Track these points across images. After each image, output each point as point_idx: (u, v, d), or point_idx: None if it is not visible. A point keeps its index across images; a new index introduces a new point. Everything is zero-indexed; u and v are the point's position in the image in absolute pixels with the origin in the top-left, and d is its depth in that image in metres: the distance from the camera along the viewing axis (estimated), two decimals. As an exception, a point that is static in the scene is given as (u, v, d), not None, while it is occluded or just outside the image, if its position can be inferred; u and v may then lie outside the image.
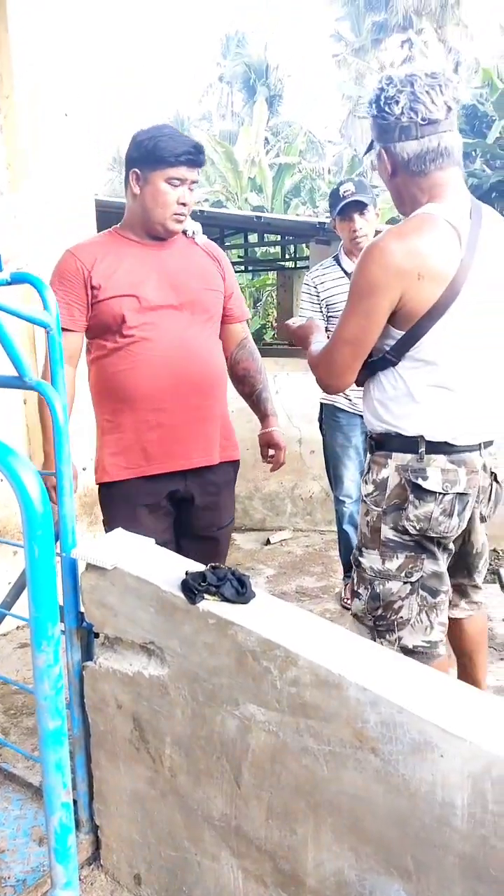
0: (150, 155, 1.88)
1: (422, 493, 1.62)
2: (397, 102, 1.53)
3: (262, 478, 4.43)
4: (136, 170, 1.92)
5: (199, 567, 1.37)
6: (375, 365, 1.67)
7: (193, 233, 2.07)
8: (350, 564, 3.18)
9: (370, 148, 1.68)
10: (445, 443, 1.62)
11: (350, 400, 3.00)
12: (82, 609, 1.52)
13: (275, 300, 16.52)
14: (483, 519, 1.78)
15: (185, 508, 2.07)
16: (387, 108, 1.55)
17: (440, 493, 1.62)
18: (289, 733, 1.23)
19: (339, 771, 1.19)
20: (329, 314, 2.99)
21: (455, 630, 1.91)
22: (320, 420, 3.17)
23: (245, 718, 1.28)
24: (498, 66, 15.29)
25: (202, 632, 1.30)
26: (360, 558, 1.75)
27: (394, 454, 1.66)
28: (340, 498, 3.14)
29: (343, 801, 1.19)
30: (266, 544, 4.18)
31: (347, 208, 2.81)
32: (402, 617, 1.70)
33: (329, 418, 3.09)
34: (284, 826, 1.27)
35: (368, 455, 1.77)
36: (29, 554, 0.74)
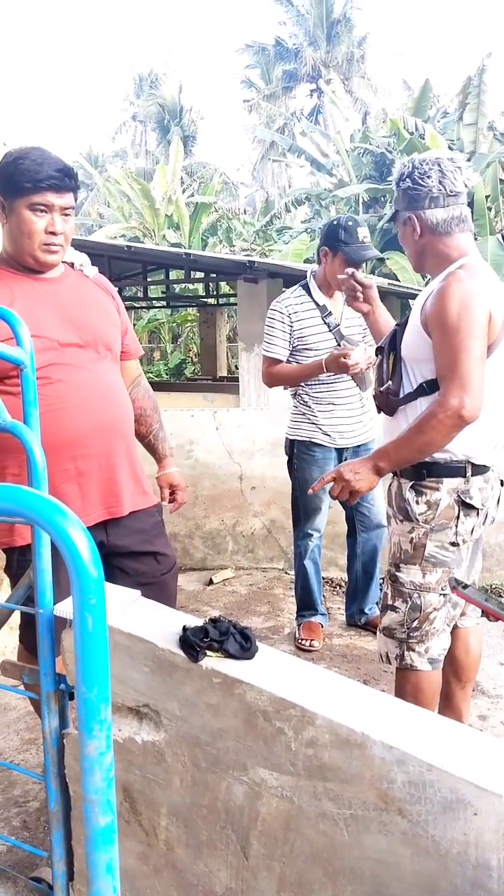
0: (10, 180, 1.70)
1: (469, 510, 1.86)
2: (429, 177, 1.82)
3: (202, 515, 4.35)
4: (1, 198, 1.74)
5: (197, 621, 1.28)
6: (415, 393, 1.86)
7: (82, 265, 1.94)
8: (306, 603, 3.15)
9: (394, 217, 1.96)
10: (483, 465, 1.88)
11: (329, 435, 2.97)
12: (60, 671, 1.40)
13: (196, 336, 16.59)
14: (492, 521, 2.01)
15: (117, 562, 1.92)
16: (420, 181, 1.83)
17: (480, 509, 1.88)
18: (304, 798, 1.16)
19: (361, 835, 1.12)
20: (300, 345, 2.93)
21: (459, 645, 2.08)
22: (290, 455, 3.12)
23: (254, 784, 1.19)
24: (404, 117, 16.12)
25: (205, 692, 1.22)
26: (398, 574, 1.92)
27: (445, 479, 1.85)
28: (308, 531, 3.09)
29: (365, 866, 1.12)
30: (209, 584, 4.07)
31: (363, 258, 2.80)
32: (434, 627, 1.90)
33: (303, 454, 3.03)
34: (298, 898, 1.19)
35: (403, 480, 1.90)
36: (81, 625, 0.65)
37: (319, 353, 2.88)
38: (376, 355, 2.07)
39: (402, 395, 1.90)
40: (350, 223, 2.83)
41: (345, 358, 2.65)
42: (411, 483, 1.89)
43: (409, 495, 1.88)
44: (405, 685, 1.94)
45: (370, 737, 1.09)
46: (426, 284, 1.94)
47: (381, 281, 10.29)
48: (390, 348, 1.95)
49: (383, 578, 2.09)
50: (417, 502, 1.87)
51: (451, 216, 1.84)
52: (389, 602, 1.94)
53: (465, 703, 2.14)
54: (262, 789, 1.19)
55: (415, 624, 1.90)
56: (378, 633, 2.02)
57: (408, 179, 1.85)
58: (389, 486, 2.01)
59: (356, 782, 1.11)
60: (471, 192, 13.90)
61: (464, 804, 1.03)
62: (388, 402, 1.94)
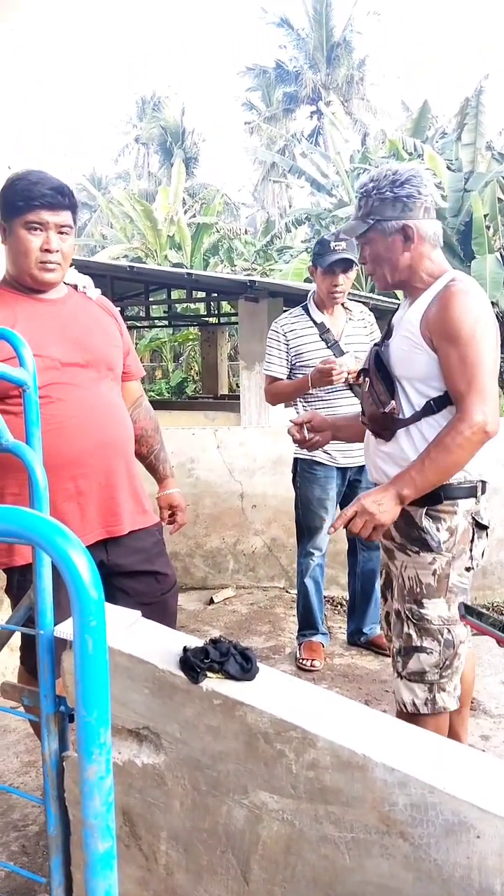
0: (6, 201, 1.75)
1: (481, 531, 1.77)
2: (426, 186, 1.76)
3: (203, 534, 4.34)
4: (1, 221, 1.79)
5: (197, 642, 1.28)
6: (422, 412, 1.75)
7: (85, 287, 1.97)
8: (307, 622, 3.14)
9: (372, 227, 1.78)
10: (486, 482, 1.79)
11: (329, 454, 2.99)
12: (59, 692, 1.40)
13: (198, 354, 16.67)
14: None
15: (118, 581, 1.91)
16: (421, 190, 1.75)
17: (488, 528, 1.79)
18: (305, 821, 1.14)
19: (362, 859, 1.11)
20: (297, 363, 2.98)
21: None
22: (294, 473, 3.15)
23: (255, 807, 1.18)
24: (403, 138, 16.30)
25: (206, 714, 1.21)
26: (423, 611, 1.76)
27: (460, 501, 1.73)
28: (310, 550, 3.10)
29: (367, 891, 1.11)
30: (209, 603, 4.06)
31: (335, 264, 2.84)
32: (461, 661, 1.77)
33: (305, 472, 3.07)
34: (300, 924, 1.17)
35: (411, 507, 1.74)
36: (81, 647, 0.65)
37: None
38: (360, 378, 1.93)
39: (406, 416, 1.77)
40: (325, 237, 2.91)
41: (325, 367, 2.68)
42: (425, 509, 1.73)
43: (427, 523, 1.73)
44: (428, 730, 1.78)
45: (372, 759, 1.08)
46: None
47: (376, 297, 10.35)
48: (377, 368, 1.82)
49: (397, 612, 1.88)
50: (438, 530, 1.73)
51: (436, 229, 1.79)
52: (416, 644, 1.75)
53: (463, 727, 2.09)
54: (263, 812, 1.18)
55: (448, 661, 1.75)
56: (399, 681, 1.82)
57: (406, 185, 1.74)
58: None
59: (358, 805, 1.10)
60: (469, 210, 13.84)
61: (466, 827, 1.02)
62: (389, 425, 1.79)
